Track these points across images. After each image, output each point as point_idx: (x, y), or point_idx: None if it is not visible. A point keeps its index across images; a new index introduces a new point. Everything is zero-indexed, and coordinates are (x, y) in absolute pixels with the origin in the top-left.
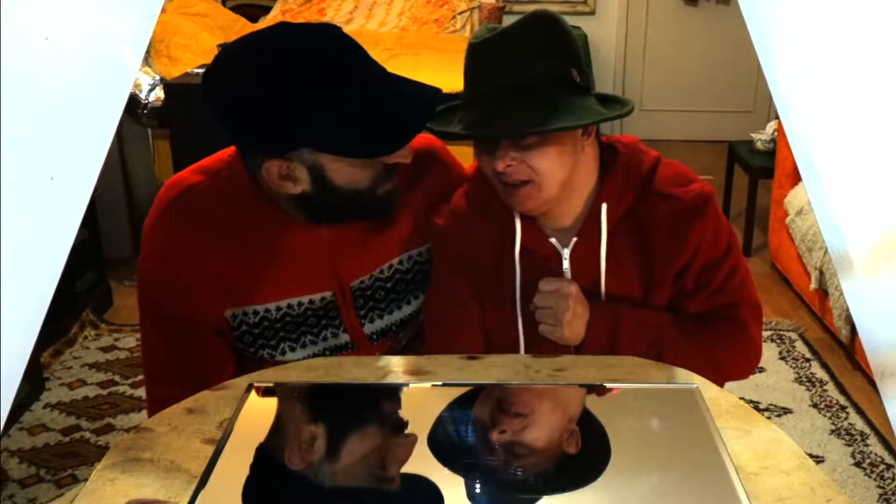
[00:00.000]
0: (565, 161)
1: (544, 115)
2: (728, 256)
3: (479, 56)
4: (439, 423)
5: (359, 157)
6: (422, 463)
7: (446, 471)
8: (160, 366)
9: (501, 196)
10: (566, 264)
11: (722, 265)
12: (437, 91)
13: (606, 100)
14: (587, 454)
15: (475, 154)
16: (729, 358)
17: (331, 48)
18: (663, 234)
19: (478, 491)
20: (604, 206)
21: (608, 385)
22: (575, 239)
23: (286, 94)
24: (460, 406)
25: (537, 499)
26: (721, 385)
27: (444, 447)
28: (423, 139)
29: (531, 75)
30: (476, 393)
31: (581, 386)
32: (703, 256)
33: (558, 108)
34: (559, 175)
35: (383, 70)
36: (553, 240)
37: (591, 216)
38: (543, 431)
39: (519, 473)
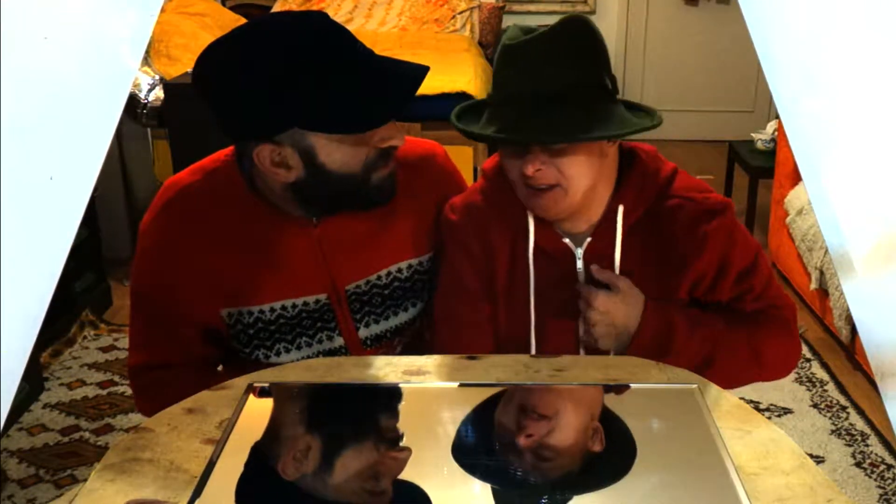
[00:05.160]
0: (593, 167)
1: (584, 122)
2: (760, 263)
3: (514, 58)
4: (464, 429)
5: (347, 133)
6: (415, 469)
7: (437, 477)
8: (147, 353)
9: (523, 199)
10: (580, 264)
11: (759, 269)
12: (423, 68)
13: (631, 107)
14: (612, 452)
15: (501, 156)
16: (776, 353)
17: (315, 28)
18: (682, 232)
19: (484, 492)
20: (620, 208)
21: (618, 385)
22: (589, 239)
23: (270, 73)
24: (482, 411)
25: (541, 500)
26: (765, 379)
27: (469, 453)
28: (425, 145)
29: (567, 81)
30: (497, 397)
31: (595, 385)
32: (739, 262)
33: (595, 115)
34: (586, 180)
35: (370, 50)
36: (567, 240)
37: (607, 218)
38: (570, 432)
39: (521, 475)
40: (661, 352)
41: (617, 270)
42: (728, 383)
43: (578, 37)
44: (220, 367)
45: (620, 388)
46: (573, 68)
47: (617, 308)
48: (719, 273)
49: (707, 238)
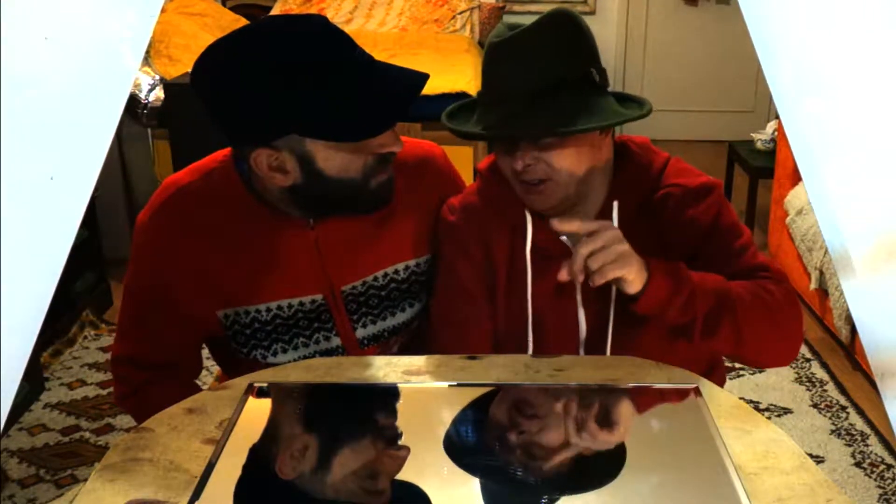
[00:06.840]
0: (583, 160)
1: (568, 116)
2: (742, 230)
3: (500, 55)
4: (455, 425)
5: (344, 141)
6: (414, 468)
7: (437, 476)
8: (131, 347)
9: (519, 194)
10: None
11: (749, 247)
12: (423, 75)
13: (623, 98)
14: (602, 457)
15: (494, 153)
16: (789, 315)
17: (314, 33)
18: (673, 219)
19: (482, 491)
20: (615, 204)
21: (611, 385)
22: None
23: (268, 78)
24: (477, 408)
25: (540, 499)
26: (776, 361)
27: (460, 449)
28: (424, 146)
29: (553, 76)
30: (492, 395)
31: (589, 386)
32: (727, 233)
33: (581, 108)
34: (577, 173)
35: (370, 56)
36: (564, 238)
37: (602, 214)
38: (560, 433)
39: (520, 474)
40: (680, 283)
41: None
42: (745, 338)
43: (562, 31)
44: (206, 382)
45: (620, 389)
46: (556, 63)
47: (613, 233)
48: (707, 244)
49: (695, 221)
